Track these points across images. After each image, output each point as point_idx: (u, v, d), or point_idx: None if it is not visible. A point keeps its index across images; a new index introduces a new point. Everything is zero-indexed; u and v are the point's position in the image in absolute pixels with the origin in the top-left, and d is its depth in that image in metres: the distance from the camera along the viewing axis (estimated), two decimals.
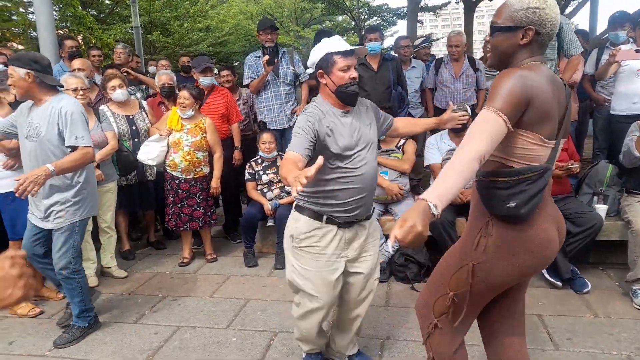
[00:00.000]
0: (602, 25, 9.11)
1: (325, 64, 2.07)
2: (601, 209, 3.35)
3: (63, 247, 2.70)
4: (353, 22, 17.59)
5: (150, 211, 4.39)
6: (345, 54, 2.04)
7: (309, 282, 2.15)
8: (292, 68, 4.54)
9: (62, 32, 9.29)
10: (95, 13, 11.50)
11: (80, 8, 9.48)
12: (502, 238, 1.52)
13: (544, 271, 3.29)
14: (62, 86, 2.96)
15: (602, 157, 4.29)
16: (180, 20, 12.84)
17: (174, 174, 3.86)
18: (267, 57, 4.25)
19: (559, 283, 3.23)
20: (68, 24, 9.76)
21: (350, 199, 2.09)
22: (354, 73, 2.06)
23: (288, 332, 2.80)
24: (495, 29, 1.54)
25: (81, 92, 3.32)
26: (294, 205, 2.21)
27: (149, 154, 3.76)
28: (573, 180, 3.69)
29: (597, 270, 3.54)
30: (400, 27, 25.08)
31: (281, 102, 4.50)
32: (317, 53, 2.10)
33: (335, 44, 2.07)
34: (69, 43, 4.56)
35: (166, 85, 4.41)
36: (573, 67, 3.79)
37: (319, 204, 2.11)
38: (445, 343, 1.67)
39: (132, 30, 10.27)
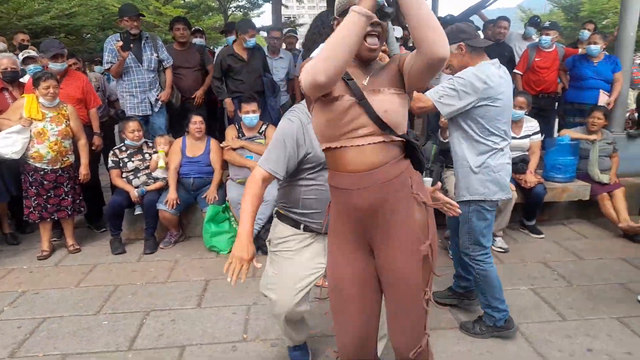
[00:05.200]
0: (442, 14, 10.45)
1: None
2: (427, 181, 4.01)
3: (463, 226, 2.65)
4: (218, 2, 17.24)
5: (2, 203, 4.11)
6: None
7: (275, 284, 2.10)
8: (155, 54, 4.54)
9: None
10: None
11: None
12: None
13: None
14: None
15: (433, 137, 5.11)
16: None
17: (39, 165, 3.70)
18: (120, 42, 4.21)
19: None
20: None
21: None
22: None
23: (161, 310, 2.99)
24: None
25: None
26: (274, 212, 2.16)
27: (12, 146, 3.53)
28: None
29: None
30: (267, 9, 25.31)
31: (145, 89, 4.49)
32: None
33: None
34: None
35: (9, 69, 4.10)
36: None
37: (297, 214, 2.05)
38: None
39: None
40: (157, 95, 4.59)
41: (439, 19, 5.25)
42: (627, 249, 3.85)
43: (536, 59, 5.03)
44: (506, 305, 2.62)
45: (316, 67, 1.34)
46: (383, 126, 1.50)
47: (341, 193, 1.56)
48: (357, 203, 1.54)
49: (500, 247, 3.80)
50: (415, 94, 2.30)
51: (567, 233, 4.25)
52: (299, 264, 2.08)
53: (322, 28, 2.43)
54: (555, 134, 4.79)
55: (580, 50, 5.42)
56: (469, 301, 2.95)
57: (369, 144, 1.50)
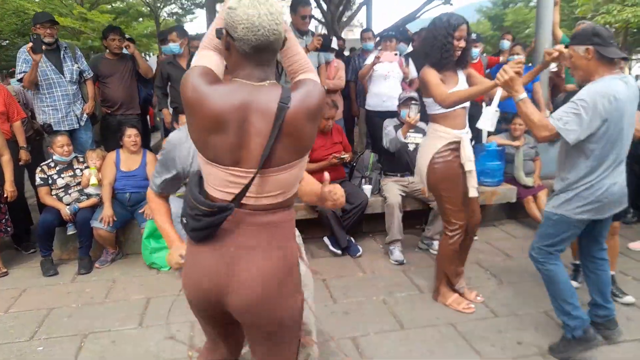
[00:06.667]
0: (376, 26, 10.82)
1: None
2: (367, 188, 4.19)
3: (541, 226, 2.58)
4: (148, 8, 16.73)
5: None
6: None
7: None
8: (76, 65, 4.35)
9: None
10: None
11: None
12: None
13: (328, 243, 4.01)
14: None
15: (369, 145, 5.26)
16: None
17: None
18: (30, 44, 3.95)
19: (339, 251, 3.97)
20: None
21: None
22: None
23: (100, 332, 2.87)
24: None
25: None
26: None
27: None
28: (347, 168, 4.50)
29: (368, 237, 4.42)
30: (201, 16, 24.79)
31: (69, 101, 4.30)
32: None
33: None
34: None
35: None
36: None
37: None
38: None
39: None
40: (83, 109, 4.41)
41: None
42: None
43: None
44: (582, 312, 2.50)
45: None
46: None
47: None
48: None
49: (437, 250, 3.96)
50: (539, 120, 2.30)
51: (497, 234, 4.53)
52: None
53: (435, 31, 2.76)
54: (484, 140, 5.11)
55: (501, 59, 5.80)
56: (609, 331, 2.63)
57: None
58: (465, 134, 2.91)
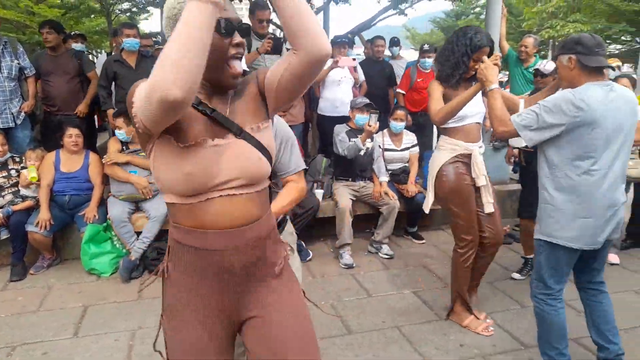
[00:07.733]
0: (333, 32, 10.93)
1: None
2: (319, 193, 4.18)
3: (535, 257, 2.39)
4: (100, 4, 16.17)
5: None
6: None
7: None
8: (16, 61, 4.13)
9: None
10: None
11: None
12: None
13: None
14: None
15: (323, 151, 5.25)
16: None
17: None
18: None
19: None
20: None
21: None
22: None
23: (31, 343, 2.70)
24: None
25: None
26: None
27: None
28: None
29: (319, 241, 4.41)
30: (156, 15, 24.21)
31: (5, 98, 4.07)
32: None
33: None
34: None
35: None
36: None
37: None
38: None
39: None
40: (20, 106, 4.18)
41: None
42: None
43: (418, 80, 5.29)
44: (567, 358, 2.28)
45: (164, 78, 0.95)
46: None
47: (205, 254, 1.23)
48: (231, 265, 1.25)
49: (386, 254, 4.03)
50: (501, 115, 2.19)
51: (445, 237, 4.63)
52: None
53: (455, 45, 2.64)
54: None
55: None
56: None
57: (246, 193, 1.22)
58: (478, 148, 2.79)
